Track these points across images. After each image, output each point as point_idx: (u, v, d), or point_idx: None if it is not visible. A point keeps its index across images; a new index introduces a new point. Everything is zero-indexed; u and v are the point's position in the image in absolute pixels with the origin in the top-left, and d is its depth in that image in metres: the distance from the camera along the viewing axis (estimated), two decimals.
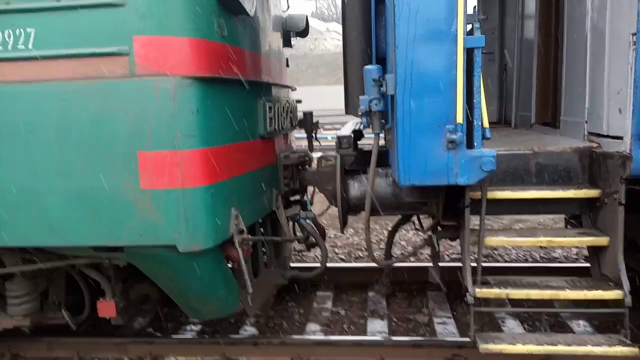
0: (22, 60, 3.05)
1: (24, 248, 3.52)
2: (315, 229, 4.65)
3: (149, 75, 2.97)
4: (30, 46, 3.03)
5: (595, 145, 3.56)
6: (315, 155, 4.76)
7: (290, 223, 4.65)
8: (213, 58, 3.17)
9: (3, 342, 4.27)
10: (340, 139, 4.04)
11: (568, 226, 4.41)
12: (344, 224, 4.11)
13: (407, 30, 2.93)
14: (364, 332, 4.46)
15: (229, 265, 3.66)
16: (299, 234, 4.76)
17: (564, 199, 3.39)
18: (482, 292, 3.25)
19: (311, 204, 4.74)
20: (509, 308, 4.57)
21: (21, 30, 3.02)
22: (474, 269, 3.34)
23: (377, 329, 4.48)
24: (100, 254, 3.43)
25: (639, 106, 2.96)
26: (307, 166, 4.61)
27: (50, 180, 3.11)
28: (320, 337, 4.35)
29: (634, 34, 2.97)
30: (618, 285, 3.19)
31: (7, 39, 3.04)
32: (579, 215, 3.82)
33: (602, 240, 3.31)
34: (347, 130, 4.40)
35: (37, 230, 3.19)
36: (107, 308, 3.72)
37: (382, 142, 4.31)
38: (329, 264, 5.77)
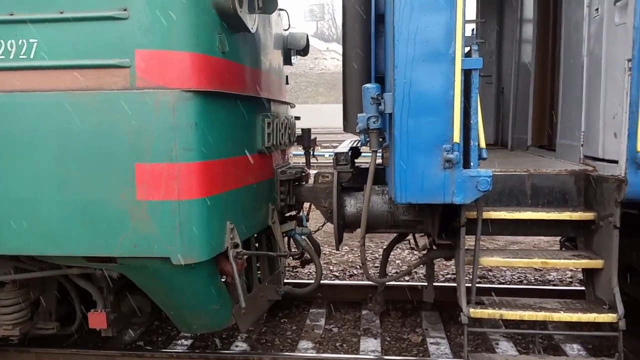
0: (24, 70, 3.07)
1: (17, 256, 3.50)
2: (311, 245, 4.64)
3: (150, 88, 2.99)
4: (32, 56, 3.05)
5: (590, 168, 3.59)
6: (312, 172, 4.77)
7: (286, 238, 4.64)
8: (213, 73, 3.20)
9: None
10: (337, 156, 4.06)
11: (563, 249, 4.42)
12: (339, 240, 4.10)
13: (406, 50, 2.98)
14: (357, 351, 4.42)
15: (223, 279, 3.64)
16: (294, 249, 4.75)
17: (559, 221, 3.40)
18: (477, 312, 3.24)
19: (307, 220, 4.75)
20: (503, 329, 4.55)
21: (24, 40, 3.05)
22: (468, 289, 3.33)
23: (370, 347, 4.45)
24: (93, 265, 3.41)
25: (634, 130, 2.99)
26: (303, 182, 4.62)
27: (46, 189, 3.11)
28: (312, 354, 4.31)
29: (629, 60, 3.02)
30: (612, 308, 3.18)
31: (10, 49, 3.07)
32: (574, 238, 3.83)
33: (597, 263, 3.32)
34: (344, 148, 4.42)
35: (32, 238, 3.17)
36: (98, 319, 3.69)
37: (379, 160, 4.34)
38: (323, 281, 5.75)
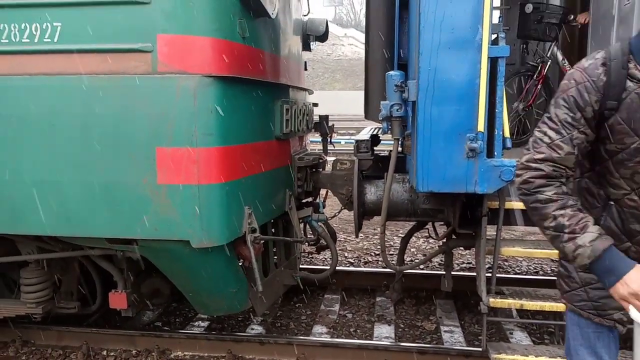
0: (47, 53, 3.09)
1: (39, 237, 3.56)
2: (327, 231, 4.65)
3: (171, 73, 3.01)
4: (56, 40, 3.08)
5: None
6: (329, 159, 4.76)
7: (302, 224, 4.65)
8: (234, 58, 3.19)
9: (14, 329, 4.32)
10: (358, 144, 4.05)
11: None
12: (359, 228, 4.11)
13: (431, 37, 2.93)
14: (371, 337, 4.44)
15: (240, 263, 3.67)
16: (310, 235, 4.77)
17: None
18: (496, 302, 3.22)
19: (323, 206, 4.75)
20: (519, 319, 4.54)
21: (48, 24, 3.07)
22: (488, 279, 3.32)
23: (383, 334, 4.47)
24: (114, 246, 3.46)
25: None
26: (321, 169, 4.62)
27: (69, 172, 3.15)
28: (326, 338, 4.34)
29: None
30: None
31: (35, 32, 3.09)
32: None
33: None
34: (365, 135, 4.40)
35: (55, 219, 3.22)
36: (118, 300, 3.75)
37: (399, 148, 4.30)
38: (338, 268, 5.76)
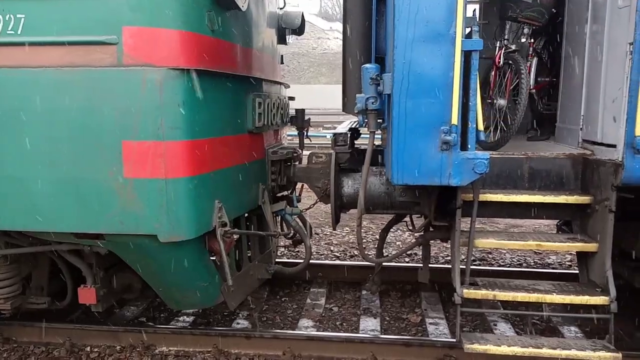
0: (10, 45, 3.05)
1: (7, 232, 3.51)
2: (301, 225, 4.64)
3: (137, 65, 2.99)
4: (19, 32, 3.04)
5: (588, 152, 3.58)
6: (306, 153, 4.76)
7: (278, 218, 4.65)
8: (202, 51, 3.17)
9: None
10: (336, 137, 4.06)
11: (559, 232, 4.44)
12: (336, 221, 4.13)
13: (406, 30, 2.95)
14: (357, 330, 4.47)
15: (213, 257, 3.66)
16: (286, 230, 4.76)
17: (555, 204, 3.41)
18: (470, 292, 3.27)
19: (298, 200, 4.75)
20: (497, 310, 4.61)
21: (11, 15, 3.03)
22: (462, 270, 3.36)
23: (369, 326, 4.50)
24: (81, 241, 3.42)
25: (633, 115, 2.98)
26: (296, 162, 4.61)
27: (33, 166, 3.12)
28: (312, 332, 4.36)
29: (630, 44, 2.99)
30: (605, 291, 3.21)
31: None
32: (571, 221, 3.85)
33: (591, 246, 3.34)
34: (343, 129, 4.42)
35: (21, 214, 3.20)
36: (87, 295, 3.73)
37: (378, 142, 4.32)
38: (323, 261, 5.79)
